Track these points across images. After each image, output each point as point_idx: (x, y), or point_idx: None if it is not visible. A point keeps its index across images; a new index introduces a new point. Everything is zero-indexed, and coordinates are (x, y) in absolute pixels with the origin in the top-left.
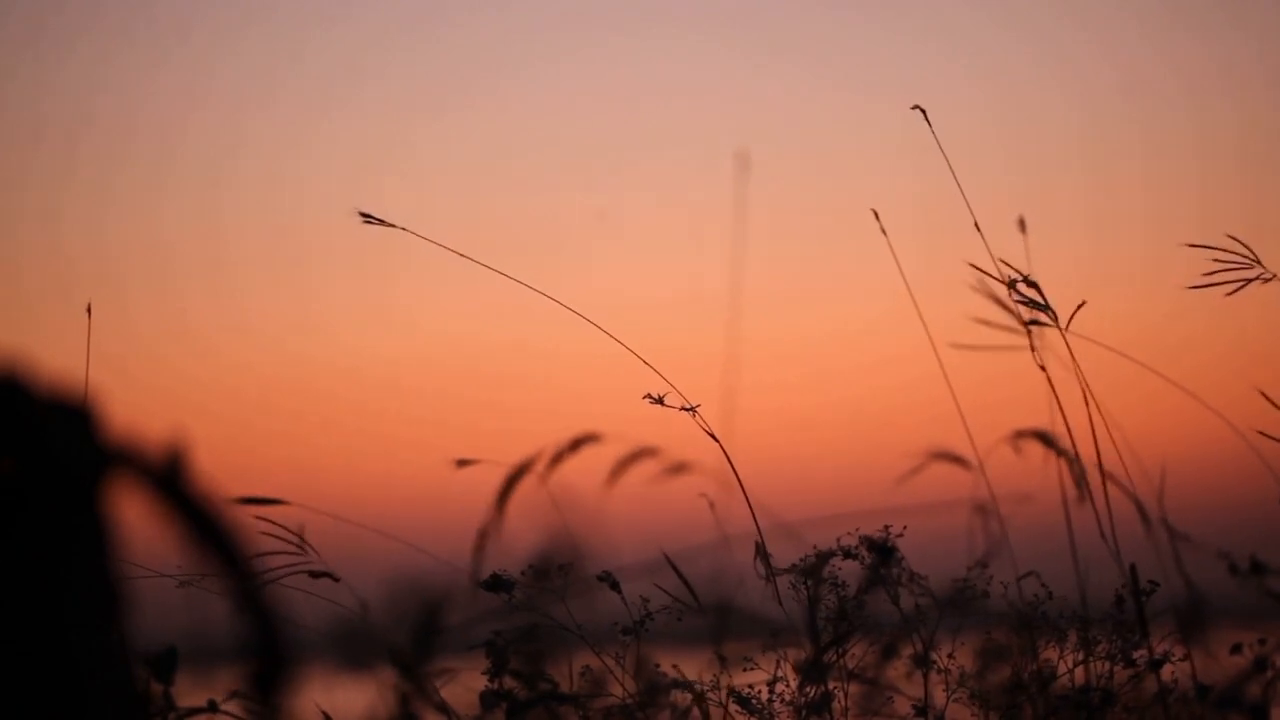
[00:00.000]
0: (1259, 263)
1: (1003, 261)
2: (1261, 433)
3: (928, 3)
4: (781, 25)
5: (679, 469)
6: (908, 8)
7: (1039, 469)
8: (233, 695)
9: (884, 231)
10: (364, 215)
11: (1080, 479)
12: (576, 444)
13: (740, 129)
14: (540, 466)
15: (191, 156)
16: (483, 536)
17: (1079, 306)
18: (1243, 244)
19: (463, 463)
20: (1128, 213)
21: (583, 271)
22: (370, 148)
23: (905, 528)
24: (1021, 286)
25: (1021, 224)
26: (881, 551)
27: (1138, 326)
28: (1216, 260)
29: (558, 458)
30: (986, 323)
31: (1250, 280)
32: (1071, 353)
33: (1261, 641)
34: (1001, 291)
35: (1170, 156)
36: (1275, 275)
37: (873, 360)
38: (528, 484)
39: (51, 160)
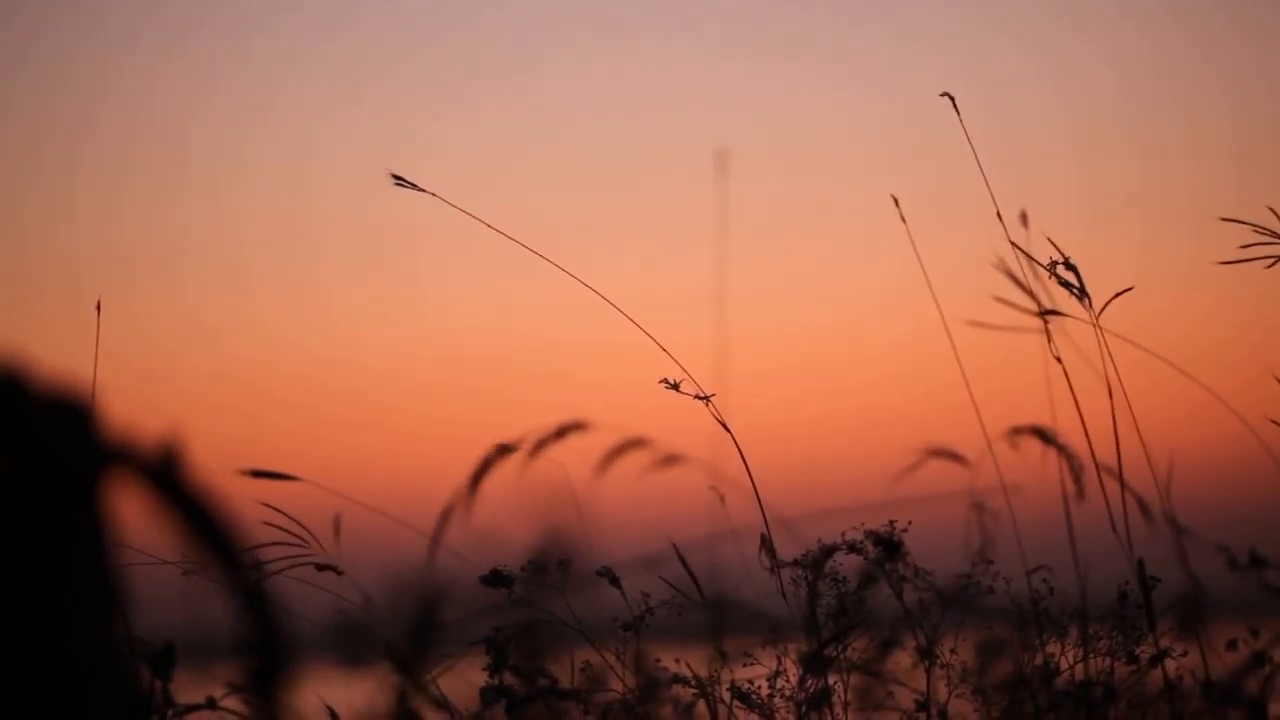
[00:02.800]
0: None
1: (1050, 241)
2: (1275, 421)
3: (918, 3)
4: (777, 29)
5: (670, 461)
6: (897, 8)
7: (1040, 465)
8: (231, 692)
9: (903, 219)
10: (396, 178)
11: (1078, 475)
12: (562, 431)
13: (737, 130)
14: (523, 451)
15: (203, 153)
16: (447, 514)
17: (1120, 292)
18: (1277, 216)
19: (505, 449)
20: (1118, 210)
21: (582, 268)
22: (377, 146)
23: (910, 523)
24: (1060, 269)
25: (1024, 218)
26: (888, 546)
27: (1143, 314)
28: (1258, 231)
29: (542, 443)
30: (990, 324)
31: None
32: (1105, 344)
33: (1254, 634)
34: (1021, 278)
35: (1165, 150)
36: None
37: (869, 354)
38: (516, 473)
39: (62, 158)
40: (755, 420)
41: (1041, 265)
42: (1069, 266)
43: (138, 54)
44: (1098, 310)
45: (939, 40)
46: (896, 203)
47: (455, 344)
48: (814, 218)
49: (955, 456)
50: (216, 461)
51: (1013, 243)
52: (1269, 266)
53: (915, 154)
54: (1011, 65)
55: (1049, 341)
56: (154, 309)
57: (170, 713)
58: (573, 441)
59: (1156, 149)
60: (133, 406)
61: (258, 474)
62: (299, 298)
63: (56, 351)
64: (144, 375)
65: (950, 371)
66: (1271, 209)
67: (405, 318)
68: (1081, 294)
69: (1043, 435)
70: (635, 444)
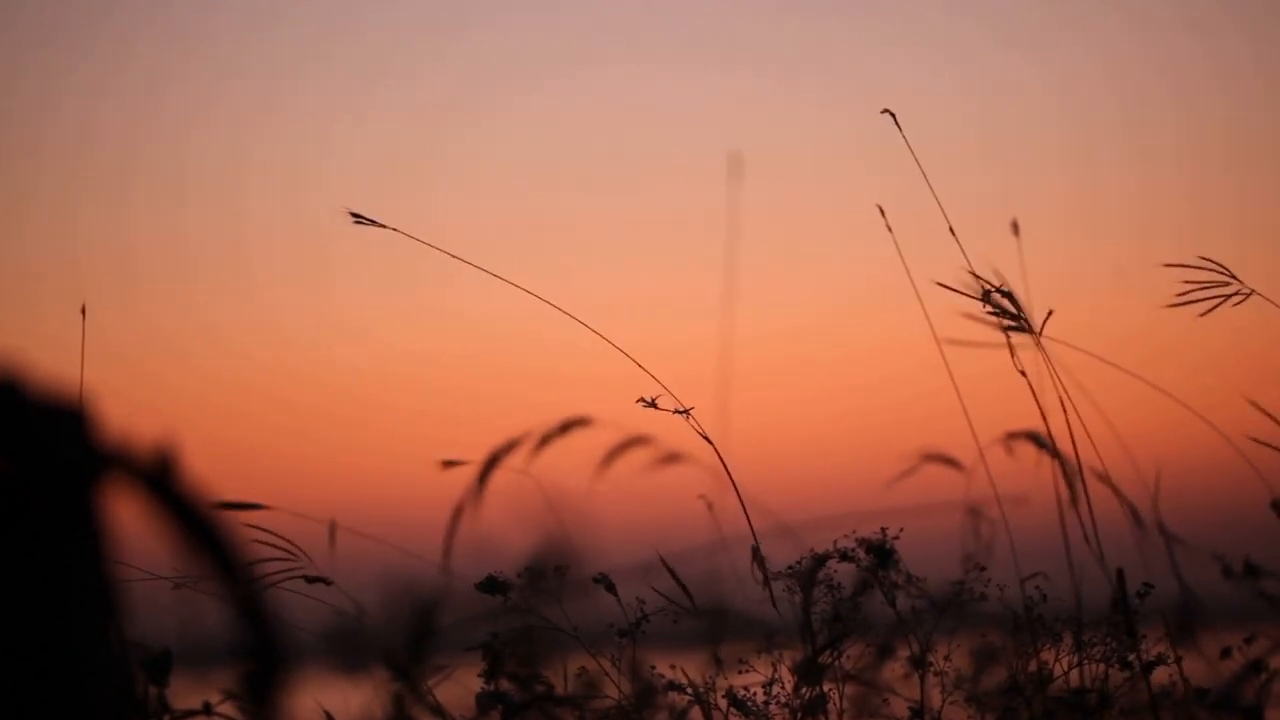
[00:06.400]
0: (1235, 279)
1: (971, 273)
2: (1254, 439)
3: (912, 8)
4: (775, 39)
5: (671, 459)
6: (891, 14)
7: (1032, 471)
8: (227, 698)
9: (889, 228)
10: (355, 215)
11: (1073, 481)
12: (565, 427)
13: (731, 138)
14: (526, 448)
15: (210, 156)
16: (457, 517)
17: (1048, 316)
18: (1216, 263)
19: (449, 464)
20: (1110, 216)
21: (593, 271)
22: (386, 149)
23: (902, 530)
24: (995, 297)
25: (1015, 227)
26: (880, 554)
27: (1124, 329)
28: (1189, 281)
29: (545, 439)
30: (961, 342)
31: (1226, 298)
32: (1048, 360)
33: (1247, 641)
34: (975, 301)
35: (1154, 159)
36: (1252, 292)
37: (867, 361)
38: (516, 476)
39: (69, 159)
40: (757, 423)
41: (975, 297)
42: (1004, 294)
43: (143, 55)
44: (1038, 329)
45: (931, 46)
46: (882, 212)
47: (456, 341)
48: (805, 223)
49: (950, 461)
50: (209, 465)
51: (970, 269)
52: (1203, 314)
53: (907, 160)
54: (1002, 69)
55: (1012, 356)
56: (158, 311)
57: (166, 718)
58: (574, 440)
59: (1147, 154)
60: (133, 410)
61: (226, 506)
62: (300, 297)
63: (60, 356)
64: (146, 379)
65: (939, 378)
66: (1206, 258)
67: (406, 316)
68: (1018, 318)
69: (1037, 441)
70: (637, 442)
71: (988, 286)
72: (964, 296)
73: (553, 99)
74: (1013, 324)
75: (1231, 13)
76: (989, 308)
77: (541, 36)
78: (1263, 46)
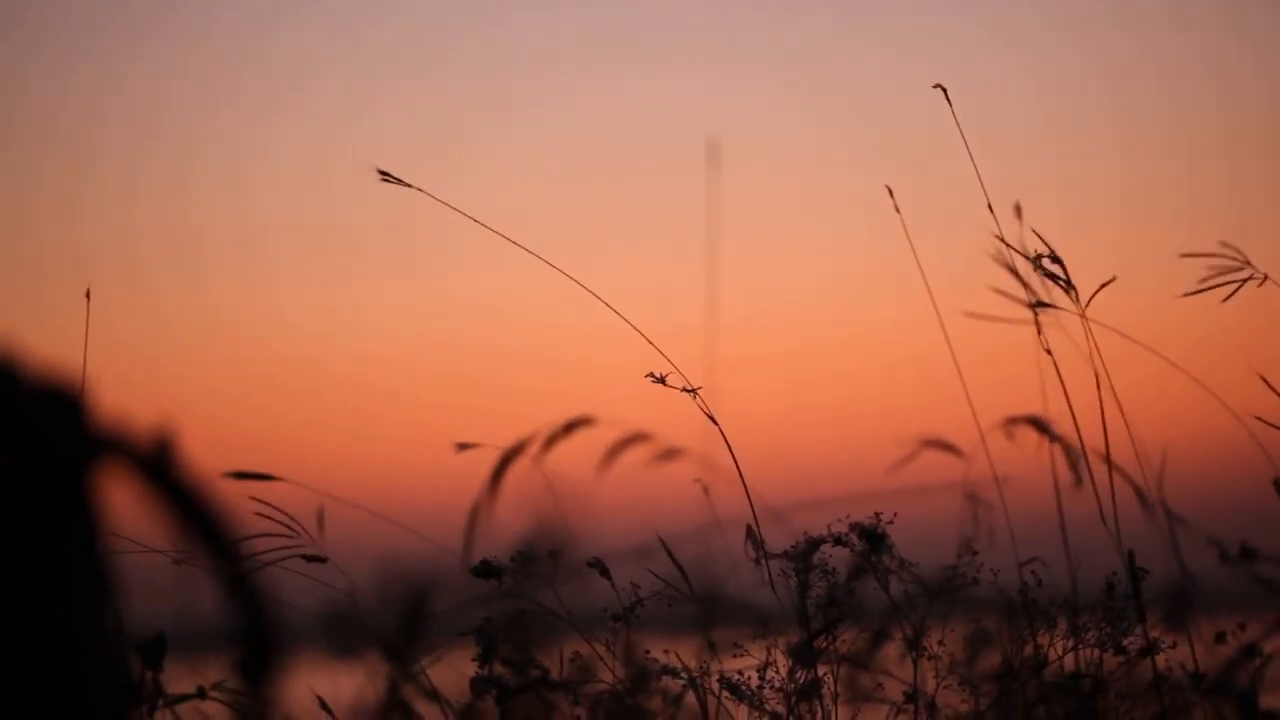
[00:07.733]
0: (1249, 264)
1: (1035, 233)
2: (1259, 418)
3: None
4: (769, 35)
5: (671, 454)
6: (888, 13)
7: (1033, 455)
8: (222, 682)
9: (898, 209)
10: (382, 174)
11: (1076, 465)
12: (570, 427)
13: (729, 128)
14: (534, 448)
15: (218, 144)
16: (474, 516)
17: (1105, 283)
18: (1234, 248)
19: (463, 446)
20: (1113, 200)
21: (591, 262)
22: (392, 143)
23: (895, 514)
24: (1046, 262)
25: (1018, 210)
26: (871, 538)
27: (1129, 311)
28: (1211, 268)
29: (551, 440)
30: (988, 315)
31: (1244, 282)
32: (1090, 335)
33: (1241, 627)
34: (1011, 272)
35: (1152, 146)
36: (1266, 276)
37: (861, 343)
38: (520, 466)
39: (77, 148)
40: (750, 408)
41: (1028, 258)
42: (1054, 259)
43: (152, 43)
44: (1085, 302)
45: (923, 42)
46: (891, 193)
47: (457, 329)
48: (804, 210)
49: (950, 447)
50: (211, 452)
51: (1000, 236)
52: (1225, 300)
53: (904, 149)
54: (995, 63)
55: (1039, 334)
56: (164, 299)
57: (160, 703)
58: (575, 435)
59: (1142, 143)
60: (137, 397)
61: (239, 475)
62: (305, 285)
63: (65, 342)
64: (152, 365)
65: (943, 362)
66: (1224, 241)
67: (408, 305)
68: (1068, 286)
69: (1039, 425)
70: (638, 438)
71: (1041, 251)
72: (992, 273)
73: (554, 98)
74: (1044, 297)
75: (1222, 6)
76: (1040, 271)
77: (543, 36)
78: (1255, 37)
